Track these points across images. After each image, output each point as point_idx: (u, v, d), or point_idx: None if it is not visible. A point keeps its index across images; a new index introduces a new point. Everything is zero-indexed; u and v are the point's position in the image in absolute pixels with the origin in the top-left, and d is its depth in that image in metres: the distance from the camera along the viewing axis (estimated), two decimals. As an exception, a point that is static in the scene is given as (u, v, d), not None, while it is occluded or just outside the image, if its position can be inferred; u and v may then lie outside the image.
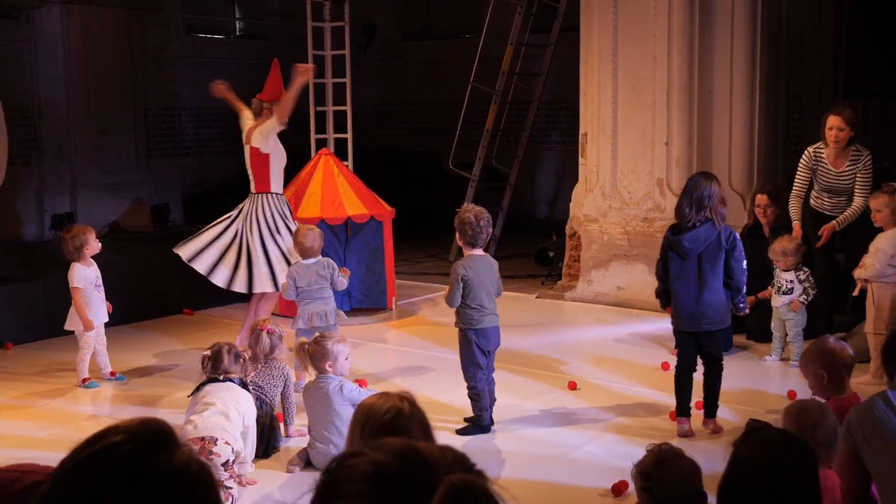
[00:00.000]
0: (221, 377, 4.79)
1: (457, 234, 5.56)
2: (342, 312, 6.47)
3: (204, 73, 13.06)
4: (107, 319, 6.76)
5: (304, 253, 6.32)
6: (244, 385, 4.85)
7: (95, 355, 6.73)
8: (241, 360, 4.95)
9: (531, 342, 7.65)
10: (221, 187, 13.29)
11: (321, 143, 10.00)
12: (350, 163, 9.94)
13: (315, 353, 4.91)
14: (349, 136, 10.11)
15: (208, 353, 4.91)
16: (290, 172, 8.97)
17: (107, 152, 11.96)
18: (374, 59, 14.74)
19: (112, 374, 6.78)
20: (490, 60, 11.43)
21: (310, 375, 5.23)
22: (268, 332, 5.41)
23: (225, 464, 4.42)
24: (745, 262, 5.48)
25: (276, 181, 7.18)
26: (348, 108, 10.10)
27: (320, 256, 6.39)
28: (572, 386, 6.44)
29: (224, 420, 4.51)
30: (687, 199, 5.36)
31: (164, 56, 12.66)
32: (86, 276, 6.58)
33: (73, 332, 6.69)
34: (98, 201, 11.69)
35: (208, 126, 13.25)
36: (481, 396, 5.56)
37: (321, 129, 10.21)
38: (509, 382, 6.38)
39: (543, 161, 13.50)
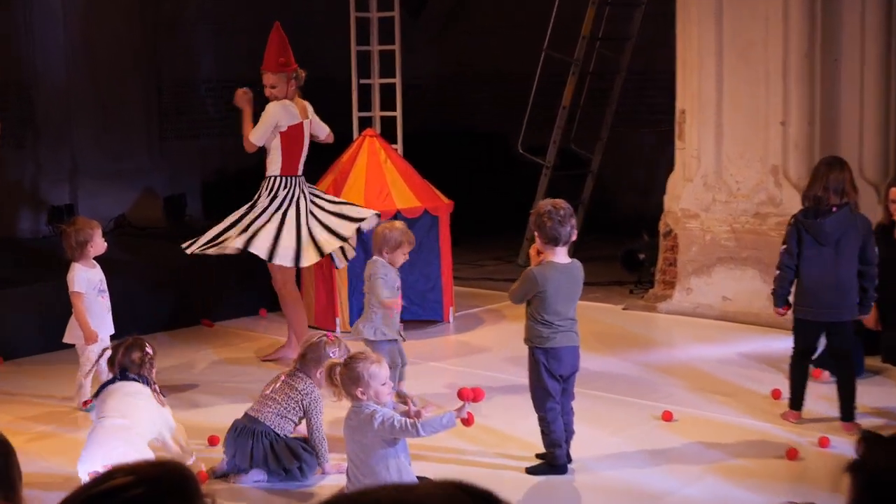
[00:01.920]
0: (119, 375, 5.39)
1: (535, 235, 5.51)
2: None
3: (228, 41, 13.27)
4: (112, 331, 6.83)
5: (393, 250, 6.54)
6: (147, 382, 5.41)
7: (99, 373, 6.80)
8: (146, 356, 5.44)
9: (617, 364, 7.61)
10: (247, 175, 13.38)
11: (365, 123, 10.04)
12: (399, 146, 9.96)
13: (344, 378, 4.90)
14: (398, 113, 10.14)
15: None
16: (329, 157, 9.03)
17: (113, 134, 12.12)
18: (428, 22, 14.77)
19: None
20: (568, 23, 11.38)
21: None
22: (327, 338, 5.48)
23: None
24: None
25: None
26: (397, 80, 10.12)
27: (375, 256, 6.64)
28: (667, 417, 6.39)
29: (125, 439, 5.10)
30: (822, 182, 5.91)
31: (180, 20, 12.81)
32: (88, 279, 6.66)
33: (73, 346, 6.78)
34: (102, 191, 11.84)
35: (231, 103, 13.36)
36: (553, 429, 5.53)
37: (365, 105, 10.25)
38: (590, 412, 6.34)
39: (632, 144, 13.39)
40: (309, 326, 8.43)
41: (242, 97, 7.85)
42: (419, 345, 8.24)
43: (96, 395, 5.45)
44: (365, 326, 6.44)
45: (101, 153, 12.04)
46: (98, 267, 6.77)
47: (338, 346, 5.50)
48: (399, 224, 6.77)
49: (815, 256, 6.01)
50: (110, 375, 6.77)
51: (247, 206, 7.83)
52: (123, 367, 5.42)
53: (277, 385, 5.47)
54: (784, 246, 6.16)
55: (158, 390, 5.53)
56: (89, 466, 5.11)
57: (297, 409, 5.42)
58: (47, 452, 6.01)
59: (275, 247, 7.48)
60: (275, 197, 7.71)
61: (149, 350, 5.51)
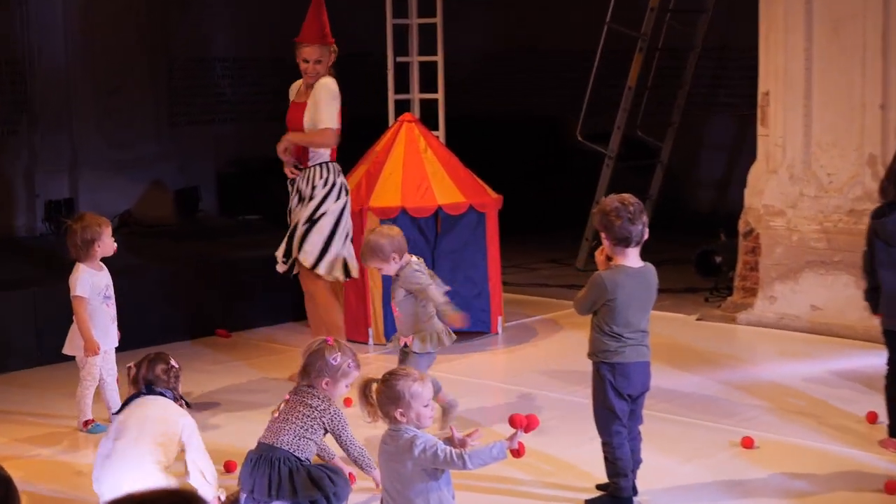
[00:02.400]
0: (145, 390, 5.53)
1: (602, 237, 5.48)
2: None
3: (246, 13, 13.34)
4: (116, 343, 6.90)
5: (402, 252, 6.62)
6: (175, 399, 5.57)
7: (102, 389, 6.88)
8: (171, 369, 5.60)
9: (689, 382, 7.60)
10: (268, 165, 13.44)
11: (402, 107, 10.06)
12: (441, 133, 9.98)
13: (382, 396, 4.90)
14: (440, 96, 10.15)
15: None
16: (362, 145, 9.06)
17: (117, 118, 12.22)
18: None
19: (123, 414, 6.91)
20: (634, -8, 11.38)
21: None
22: (327, 343, 5.49)
23: None
24: None
25: None
26: (439, 58, 10.14)
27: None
28: (748, 443, 6.37)
29: (133, 467, 5.24)
30: (891, 175, 5.80)
31: (193, -10, 12.90)
32: (93, 283, 6.72)
33: (73, 358, 6.84)
34: (105, 184, 11.93)
35: (252, 82, 13.46)
36: (618, 457, 5.52)
37: (403, 87, 10.27)
38: (661, 437, 6.34)
39: (708, 131, 13.35)
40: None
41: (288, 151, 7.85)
42: (463, 360, 8.26)
43: (120, 410, 5.58)
44: (416, 339, 6.52)
45: (104, 140, 12.13)
46: (105, 270, 6.82)
47: (339, 350, 5.50)
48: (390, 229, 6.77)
49: (887, 259, 6.05)
50: (115, 392, 6.87)
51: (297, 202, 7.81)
52: (149, 382, 5.56)
53: (286, 406, 5.48)
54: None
55: (186, 405, 5.64)
56: (106, 489, 5.26)
57: (317, 427, 5.42)
58: (48, 479, 6.06)
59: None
60: (332, 186, 7.74)
61: (174, 363, 5.64)
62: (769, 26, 9.04)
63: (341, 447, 5.47)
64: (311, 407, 5.39)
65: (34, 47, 11.68)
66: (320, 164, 7.73)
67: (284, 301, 9.24)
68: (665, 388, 7.21)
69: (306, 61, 7.73)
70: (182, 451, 5.42)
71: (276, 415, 5.48)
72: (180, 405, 5.60)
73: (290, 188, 7.84)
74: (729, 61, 12.94)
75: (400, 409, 4.74)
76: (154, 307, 8.69)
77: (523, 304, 9.83)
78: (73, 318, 6.74)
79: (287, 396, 5.52)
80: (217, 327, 9.05)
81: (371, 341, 8.60)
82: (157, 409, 5.47)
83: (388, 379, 4.83)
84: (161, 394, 5.54)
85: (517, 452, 4.85)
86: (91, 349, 6.65)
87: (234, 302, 9.24)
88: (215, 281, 9.22)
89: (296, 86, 7.91)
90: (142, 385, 5.56)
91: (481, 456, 4.74)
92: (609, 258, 5.48)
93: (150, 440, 5.32)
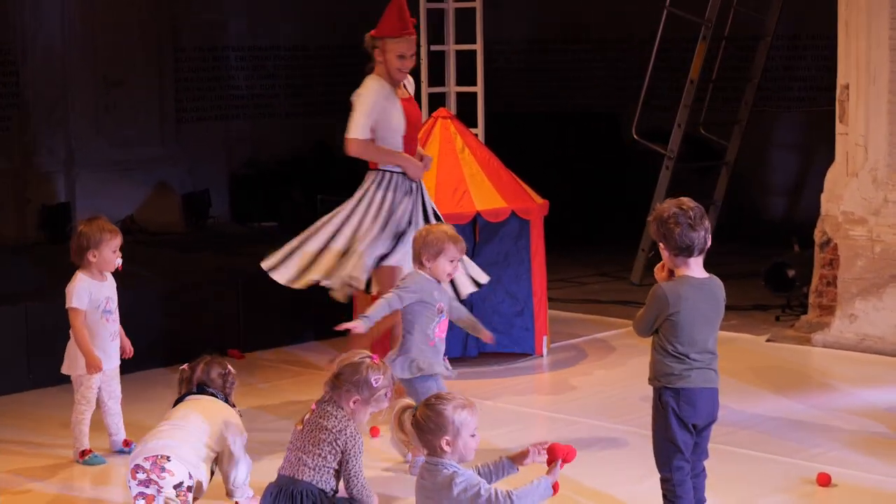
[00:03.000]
0: (197, 389, 5.81)
1: (660, 247, 5.49)
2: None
3: (263, -3, 13.38)
4: (117, 362, 6.91)
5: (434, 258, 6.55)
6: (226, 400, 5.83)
7: (104, 414, 6.91)
8: (228, 374, 5.87)
9: (761, 411, 7.58)
10: (286, 167, 13.51)
11: (437, 101, 10.08)
12: (480, 131, 9.99)
13: (425, 424, 4.89)
14: (479, 89, 10.16)
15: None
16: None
17: (119, 114, 12.28)
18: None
19: (126, 443, 6.94)
20: (697, -27, 11.37)
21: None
22: (371, 360, 5.51)
23: (177, 486, 5.48)
24: None
25: None
26: (479, 47, 10.15)
27: None
28: (824, 480, 6.36)
29: (180, 438, 5.56)
30: None
31: (204, -30, 12.97)
32: (91, 294, 6.75)
33: (70, 380, 6.86)
34: (105, 187, 11.99)
35: (268, 75, 13.52)
36: (680, 495, 5.50)
37: (438, 79, 10.29)
38: (725, 473, 6.31)
39: (779, 129, 13.31)
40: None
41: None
42: (504, 384, 8.26)
43: (175, 404, 5.82)
44: (395, 361, 6.47)
45: (105, 138, 12.19)
46: (109, 281, 6.84)
47: (383, 372, 5.50)
48: (444, 226, 6.77)
49: None
50: (118, 418, 6.92)
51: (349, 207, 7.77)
52: (202, 383, 5.82)
53: (303, 428, 5.46)
54: None
55: (238, 413, 5.87)
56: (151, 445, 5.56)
57: (335, 452, 5.40)
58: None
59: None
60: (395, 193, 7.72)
61: (231, 369, 5.93)
62: (849, 10, 8.99)
63: (343, 476, 5.38)
64: (327, 430, 5.34)
65: (27, 32, 11.74)
66: (379, 171, 7.74)
67: (305, 318, 9.26)
68: (731, 419, 7.16)
69: (402, 57, 7.60)
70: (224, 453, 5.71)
71: (294, 439, 5.48)
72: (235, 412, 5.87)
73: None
74: (803, 51, 12.90)
75: (447, 438, 4.74)
76: (158, 324, 8.72)
77: (571, 323, 9.83)
78: (70, 333, 6.76)
79: (313, 406, 5.51)
80: (229, 346, 9.06)
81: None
82: (211, 404, 5.75)
83: (435, 403, 4.81)
84: (213, 395, 5.79)
85: (554, 487, 4.86)
86: (93, 365, 6.65)
87: (249, 319, 9.26)
88: (227, 295, 9.24)
89: (383, 86, 7.67)
90: (194, 386, 5.82)
91: (529, 495, 4.75)
92: (671, 273, 5.47)
93: (203, 424, 5.62)
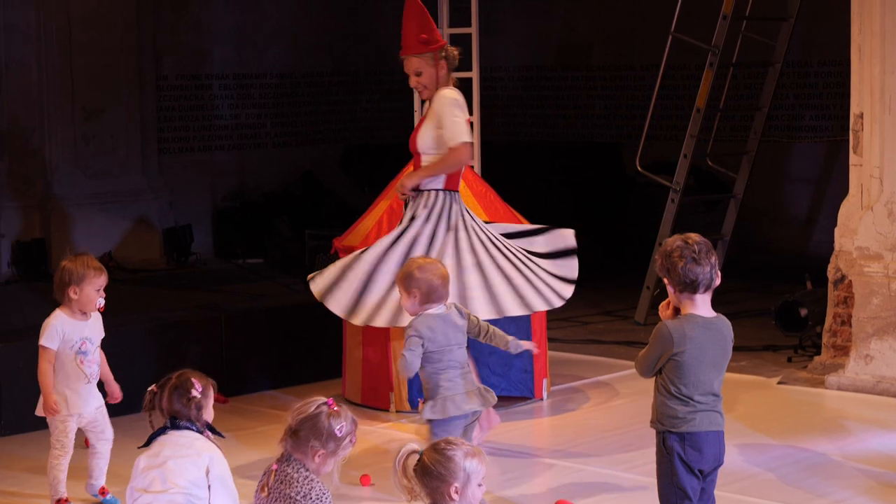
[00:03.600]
0: (169, 424, 5.50)
1: (665, 283, 5.44)
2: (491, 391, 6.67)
3: (251, 20, 13.40)
4: (99, 404, 6.83)
5: (430, 297, 6.53)
6: (208, 428, 5.54)
7: (89, 454, 6.83)
8: (192, 399, 5.51)
9: (772, 457, 7.55)
10: (273, 200, 13.49)
11: (431, 131, 10.04)
12: (476, 162, 9.96)
13: (434, 469, 4.84)
14: (475, 118, 10.12)
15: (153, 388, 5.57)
16: (384, 176, 9.04)
17: (98, 145, 12.26)
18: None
19: (103, 491, 6.88)
20: (703, -2, 11.37)
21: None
22: (329, 408, 5.36)
23: None
24: None
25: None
26: (474, 74, 10.13)
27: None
28: (840, 533, 6.32)
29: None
30: None
31: (188, -7, 12.96)
32: (65, 333, 6.69)
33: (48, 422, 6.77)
34: (82, 221, 11.97)
35: (254, 104, 13.50)
36: (688, 547, 5.48)
37: (431, 108, 10.27)
38: (735, 524, 6.27)
39: (790, 160, 13.31)
40: (349, 402, 8.47)
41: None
42: (501, 430, 8.17)
43: (146, 444, 5.56)
44: (427, 405, 6.49)
45: (82, 170, 12.17)
46: (92, 321, 6.78)
47: (344, 417, 5.37)
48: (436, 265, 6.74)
49: None
50: (104, 461, 6.84)
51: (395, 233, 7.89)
52: (173, 416, 5.54)
53: (268, 496, 5.35)
54: None
55: (215, 433, 5.62)
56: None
57: None
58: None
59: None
60: (440, 218, 7.83)
61: (195, 391, 5.53)
62: (863, 35, 8.98)
63: None
64: (290, 498, 5.23)
65: (1, 58, 11.73)
66: (425, 192, 7.87)
67: (294, 360, 9.21)
68: (741, 465, 7.17)
69: (407, 75, 7.94)
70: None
71: (265, 495, 5.37)
72: (208, 437, 5.56)
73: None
74: (815, 78, 12.93)
75: (456, 485, 4.71)
76: (138, 364, 8.65)
77: (573, 365, 9.78)
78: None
79: (274, 466, 5.40)
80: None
81: (392, 407, 8.54)
82: (182, 449, 5.45)
83: (445, 449, 4.78)
84: (187, 427, 5.51)
85: None
86: (49, 407, 6.59)
87: (233, 361, 9.19)
88: (210, 336, 9.18)
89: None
90: (166, 417, 5.57)
91: None
92: (677, 311, 5.42)
93: (178, 488, 5.38)
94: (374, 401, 8.56)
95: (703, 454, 5.45)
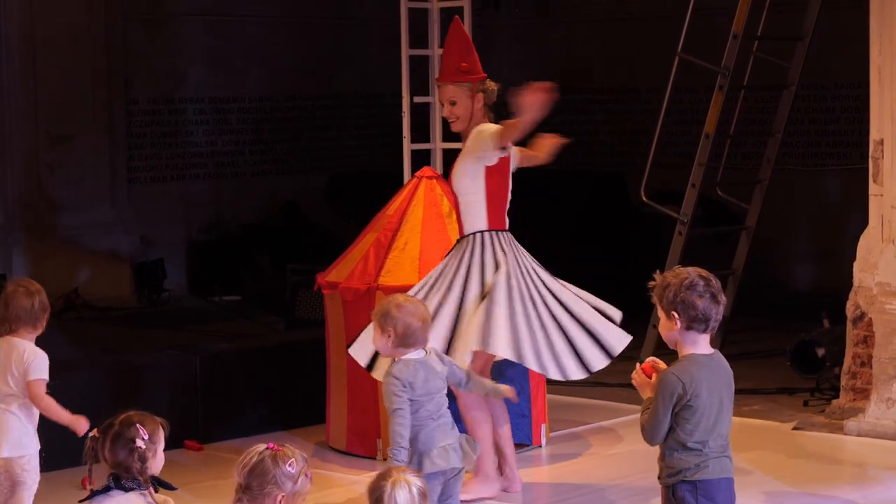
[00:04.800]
0: (113, 483, 5.33)
1: (663, 316, 5.44)
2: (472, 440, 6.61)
3: (225, 41, 13.41)
4: (37, 447, 6.79)
5: (406, 339, 6.44)
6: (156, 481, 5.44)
7: (18, 490, 6.73)
8: (136, 450, 5.39)
9: (786, 508, 7.51)
10: (252, 232, 13.48)
11: (421, 160, 10.06)
12: (470, 192, 9.96)
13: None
14: (470, 145, 10.14)
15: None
16: (371, 207, 9.04)
17: (64, 174, 12.26)
18: (514, 14, 14.84)
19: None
20: (713, 16, 11.37)
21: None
22: (272, 451, 5.37)
23: None
24: None
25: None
26: (468, 97, 10.14)
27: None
28: (860, 587, 6.30)
29: None
30: None
31: (160, 13, 12.98)
32: None
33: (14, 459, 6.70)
34: (47, 255, 11.95)
35: (231, 130, 13.51)
36: None
37: (421, 135, 10.28)
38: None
39: (805, 189, 13.32)
40: (333, 449, 8.45)
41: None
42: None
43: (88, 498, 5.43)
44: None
45: (46, 201, 12.16)
46: (24, 345, 6.67)
47: (291, 454, 5.38)
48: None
49: None
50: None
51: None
52: (116, 467, 5.39)
53: None
54: None
55: (162, 486, 5.53)
56: None
57: None
58: None
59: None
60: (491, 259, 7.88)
61: (139, 442, 5.43)
62: (883, 56, 9.02)
63: None
64: None
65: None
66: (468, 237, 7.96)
67: (272, 405, 9.19)
68: (754, 518, 7.14)
69: (441, 104, 8.04)
70: None
71: None
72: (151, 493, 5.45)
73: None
74: (832, 101, 12.95)
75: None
76: (104, 409, 8.60)
77: (573, 409, 9.78)
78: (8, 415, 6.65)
79: None
80: (186, 437, 8.99)
81: (380, 455, 8.52)
82: None
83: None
84: (132, 489, 5.37)
85: None
86: (77, 422, 6.67)
87: (209, 406, 9.18)
88: (183, 378, 9.16)
89: None
90: (109, 473, 5.39)
91: None
92: (653, 371, 5.42)
93: None
94: (360, 448, 8.54)
95: (717, 503, 5.44)
